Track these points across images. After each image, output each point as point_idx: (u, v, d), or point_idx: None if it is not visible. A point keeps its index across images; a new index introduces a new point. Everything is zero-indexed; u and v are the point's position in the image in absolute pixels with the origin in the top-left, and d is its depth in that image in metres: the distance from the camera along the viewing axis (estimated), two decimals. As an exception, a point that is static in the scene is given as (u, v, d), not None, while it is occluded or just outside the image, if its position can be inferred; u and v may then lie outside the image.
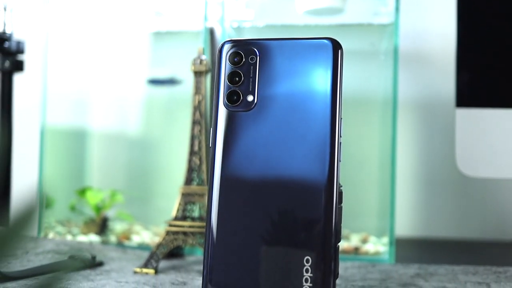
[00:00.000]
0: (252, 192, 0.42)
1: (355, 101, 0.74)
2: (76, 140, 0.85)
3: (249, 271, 0.41)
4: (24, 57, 0.80)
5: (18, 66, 0.79)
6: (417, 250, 0.80)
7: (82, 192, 0.79)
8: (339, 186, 0.42)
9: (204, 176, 0.63)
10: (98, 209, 0.78)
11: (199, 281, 0.55)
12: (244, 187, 0.42)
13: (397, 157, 0.70)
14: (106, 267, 0.60)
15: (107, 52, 0.84)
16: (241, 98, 0.43)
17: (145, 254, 0.66)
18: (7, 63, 0.78)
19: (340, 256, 0.57)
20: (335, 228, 0.41)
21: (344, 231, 0.74)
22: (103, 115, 0.85)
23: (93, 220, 0.78)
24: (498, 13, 0.73)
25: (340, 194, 0.42)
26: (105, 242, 0.74)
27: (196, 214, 0.63)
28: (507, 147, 0.70)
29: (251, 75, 0.44)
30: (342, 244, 0.70)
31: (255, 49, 0.44)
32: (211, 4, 0.74)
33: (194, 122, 0.63)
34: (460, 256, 0.76)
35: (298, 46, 0.43)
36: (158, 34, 0.83)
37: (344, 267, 0.63)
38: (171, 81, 0.81)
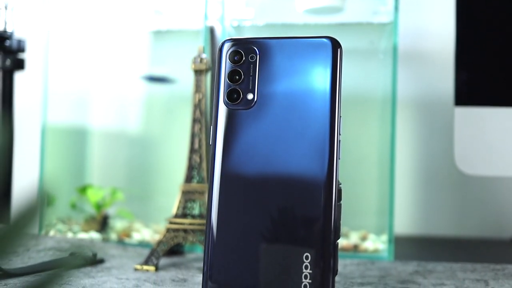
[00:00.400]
0: (252, 189, 0.42)
1: (355, 100, 0.75)
2: (77, 138, 0.86)
3: (249, 268, 0.42)
4: (25, 56, 0.81)
5: (19, 64, 0.80)
6: (416, 248, 0.81)
7: (82, 190, 0.79)
8: (338, 183, 0.42)
9: (204, 174, 0.63)
10: (99, 206, 0.78)
11: (199, 278, 0.55)
12: (244, 184, 0.43)
13: (396, 155, 0.70)
14: (106, 264, 0.60)
15: (107, 50, 0.84)
16: (241, 96, 0.44)
17: (146, 252, 0.67)
18: (8, 62, 0.78)
19: (340, 253, 0.57)
20: (334, 225, 0.41)
21: (343, 229, 0.74)
22: (104, 114, 0.85)
23: (93, 218, 0.78)
24: (496, 12, 0.73)
25: (339, 191, 0.43)
26: (105, 240, 0.75)
27: (196, 211, 0.63)
28: (506, 145, 0.71)
29: (251, 74, 0.44)
30: (342, 242, 0.71)
31: (255, 48, 0.44)
32: (211, 3, 0.75)
33: (194, 120, 0.64)
34: (459, 254, 0.76)
35: (298, 44, 0.44)
36: (158, 33, 0.83)
37: (343, 264, 0.63)
38: (164, 80, 0.81)
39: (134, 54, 0.84)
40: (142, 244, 0.74)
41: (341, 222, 0.44)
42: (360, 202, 0.75)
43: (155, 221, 0.79)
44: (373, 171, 0.75)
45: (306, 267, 0.41)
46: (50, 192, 0.78)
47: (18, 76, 0.82)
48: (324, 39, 0.44)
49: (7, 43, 0.78)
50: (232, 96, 0.44)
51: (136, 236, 0.75)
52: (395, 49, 0.69)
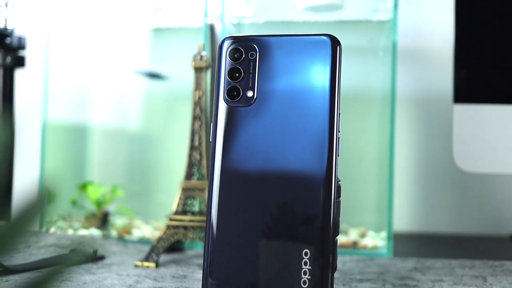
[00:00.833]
0: (251, 186, 0.43)
1: (354, 97, 0.75)
2: (77, 136, 0.86)
3: (248, 264, 0.42)
4: (25, 53, 0.81)
5: (20, 62, 0.80)
6: (415, 245, 0.81)
7: (83, 187, 0.79)
8: (337, 180, 0.43)
9: (204, 171, 0.64)
10: (99, 203, 0.78)
11: (199, 274, 0.56)
12: (243, 181, 0.43)
13: (395, 153, 0.70)
14: (107, 261, 0.61)
15: (107, 48, 0.84)
16: (241, 93, 0.44)
17: (146, 248, 0.67)
18: (8, 59, 0.78)
19: (339, 250, 0.58)
20: (333, 222, 0.42)
21: (342, 226, 0.74)
22: (104, 111, 0.86)
23: (94, 215, 0.78)
24: (495, 10, 0.73)
25: (338, 188, 0.43)
26: (106, 237, 0.75)
27: (196, 208, 0.64)
28: (505, 142, 0.71)
29: (251, 71, 0.44)
30: (341, 239, 0.71)
31: (255, 46, 0.45)
32: (211, 1, 0.75)
33: (195, 118, 0.64)
34: (457, 251, 0.76)
35: (297, 42, 0.44)
36: (158, 30, 0.83)
37: (343, 261, 0.63)
38: (157, 76, 0.81)
39: (134, 52, 0.84)
40: (142, 241, 0.74)
41: (341, 219, 0.44)
42: (360, 199, 0.76)
43: (155, 218, 0.79)
44: (372, 169, 0.75)
45: (306, 263, 0.41)
46: (52, 189, 0.79)
47: (18, 74, 0.82)
48: (323, 37, 0.44)
49: (8, 40, 0.78)
50: (232, 94, 0.44)
51: (136, 233, 0.76)
52: (394, 47, 0.70)
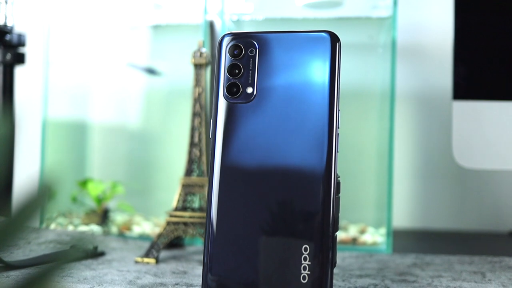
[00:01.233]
0: (251, 182, 0.43)
1: (353, 94, 0.75)
2: (77, 132, 0.86)
3: (248, 260, 0.42)
4: (25, 50, 0.81)
5: (19, 58, 0.80)
6: (414, 241, 0.81)
7: (83, 183, 0.79)
8: (337, 176, 0.43)
9: (204, 167, 0.64)
10: (99, 200, 0.79)
11: (199, 270, 0.56)
12: (243, 177, 0.43)
13: (395, 149, 0.70)
14: (107, 257, 0.61)
15: (107, 45, 0.85)
16: (241, 90, 0.44)
17: (146, 245, 0.67)
18: (8, 56, 0.78)
19: (338, 246, 0.58)
20: (333, 218, 0.42)
21: (342, 222, 0.75)
22: (104, 108, 0.86)
23: (94, 211, 0.78)
24: (494, 7, 0.73)
25: (338, 184, 0.43)
26: (106, 233, 0.75)
27: (196, 205, 0.64)
28: (504, 138, 0.71)
29: (251, 68, 0.44)
30: (341, 235, 0.71)
31: (255, 42, 0.45)
32: (211, -3, 0.75)
33: (194, 114, 0.64)
34: (456, 247, 0.76)
35: (297, 39, 0.44)
36: (158, 27, 0.83)
37: (342, 257, 0.63)
38: (149, 71, 0.81)
39: (134, 49, 0.84)
40: (142, 237, 0.74)
41: (340, 215, 0.44)
42: (359, 196, 0.76)
43: (155, 215, 0.79)
44: (372, 165, 0.75)
45: (305, 259, 0.41)
46: (53, 186, 0.79)
47: (18, 71, 0.82)
48: (323, 33, 0.44)
49: (8, 37, 0.78)
50: (232, 90, 0.44)
51: (137, 229, 0.76)
52: (393, 44, 0.70)
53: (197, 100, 0.64)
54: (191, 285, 0.50)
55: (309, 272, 0.41)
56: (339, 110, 0.43)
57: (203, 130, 0.64)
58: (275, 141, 0.43)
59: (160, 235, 0.62)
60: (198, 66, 0.64)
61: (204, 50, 0.65)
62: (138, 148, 0.84)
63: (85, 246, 0.61)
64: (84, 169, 0.86)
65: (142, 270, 0.55)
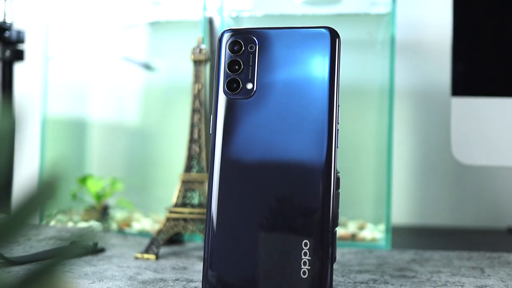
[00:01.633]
0: (251, 178, 0.43)
1: (352, 90, 0.75)
2: (77, 129, 0.86)
3: (248, 255, 0.42)
4: (25, 47, 0.81)
5: (19, 55, 0.80)
6: (413, 237, 0.81)
7: (83, 180, 0.79)
8: (336, 172, 0.43)
9: (204, 163, 0.64)
10: (99, 197, 0.79)
11: (199, 266, 0.56)
12: (243, 173, 0.43)
13: (394, 146, 0.71)
14: (107, 253, 0.61)
15: (106, 42, 0.85)
16: (241, 86, 0.44)
17: (146, 241, 0.67)
18: (7, 53, 0.78)
19: (338, 242, 0.58)
20: (332, 213, 0.42)
21: (341, 218, 0.75)
22: (103, 105, 0.86)
23: (93, 208, 0.79)
24: (492, 3, 0.74)
25: (337, 179, 0.43)
26: (106, 229, 0.75)
27: (196, 201, 0.64)
28: (502, 135, 0.72)
29: (251, 64, 0.44)
30: (340, 231, 0.71)
31: (254, 38, 0.45)
32: (210, -6, 0.75)
33: (194, 111, 0.64)
34: (455, 243, 0.77)
35: (297, 35, 0.44)
36: (157, 24, 0.83)
37: (342, 253, 0.64)
38: (144, 65, 0.81)
39: (133, 45, 0.84)
40: (142, 233, 0.74)
41: (340, 211, 0.44)
42: (358, 192, 0.76)
43: (155, 211, 0.80)
44: (371, 162, 0.75)
45: (305, 254, 0.42)
46: (56, 182, 0.79)
47: (17, 67, 0.82)
48: (322, 29, 0.44)
49: (7, 34, 0.78)
50: (232, 86, 0.44)
51: (136, 226, 0.76)
52: (392, 40, 0.70)
53: (196, 96, 0.64)
54: (191, 280, 0.50)
55: (309, 267, 0.41)
56: (339, 106, 0.43)
57: (202, 126, 0.64)
58: (275, 137, 0.43)
59: (160, 231, 0.62)
60: (197, 63, 0.65)
61: (203, 46, 0.65)
62: (137, 145, 0.84)
63: (85, 242, 0.61)
64: (83, 166, 0.86)
65: (142, 266, 0.55)
